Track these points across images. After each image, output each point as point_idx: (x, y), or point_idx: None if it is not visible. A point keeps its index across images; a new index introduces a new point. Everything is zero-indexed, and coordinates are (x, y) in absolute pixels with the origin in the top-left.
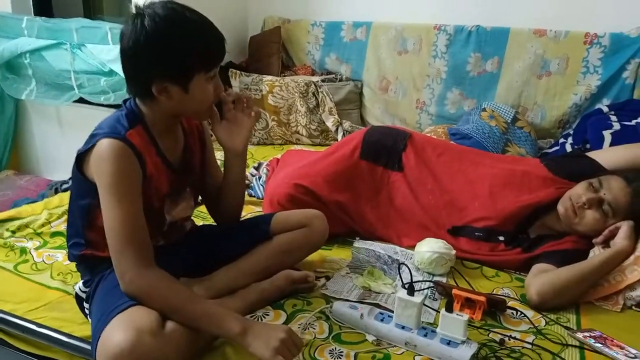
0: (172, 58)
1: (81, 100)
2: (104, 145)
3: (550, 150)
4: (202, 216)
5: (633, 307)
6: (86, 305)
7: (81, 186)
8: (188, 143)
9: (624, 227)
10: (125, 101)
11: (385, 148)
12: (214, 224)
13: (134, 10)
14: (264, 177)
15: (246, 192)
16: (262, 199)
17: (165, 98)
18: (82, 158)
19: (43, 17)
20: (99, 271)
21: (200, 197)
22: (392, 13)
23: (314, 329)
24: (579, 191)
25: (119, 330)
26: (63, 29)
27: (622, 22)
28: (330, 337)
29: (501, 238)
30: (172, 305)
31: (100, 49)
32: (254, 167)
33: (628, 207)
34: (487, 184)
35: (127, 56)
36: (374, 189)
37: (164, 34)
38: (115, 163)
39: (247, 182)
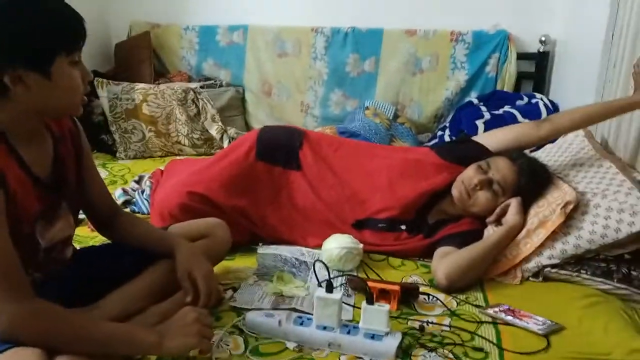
0: (24, 38)
1: None
2: None
3: (430, 144)
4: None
5: (530, 279)
6: None
7: None
8: (59, 151)
9: (514, 204)
10: None
11: (282, 147)
12: (96, 244)
13: None
14: (147, 191)
15: (129, 208)
16: (148, 213)
17: (22, 90)
18: None
19: None
20: None
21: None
22: (268, 15)
23: (228, 345)
24: (470, 174)
25: None
26: None
27: (480, 21)
28: (247, 352)
29: (403, 227)
30: (70, 336)
31: None
32: (135, 181)
33: (515, 185)
34: (385, 175)
35: None
36: (274, 190)
37: (9, 10)
38: None
39: (128, 197)
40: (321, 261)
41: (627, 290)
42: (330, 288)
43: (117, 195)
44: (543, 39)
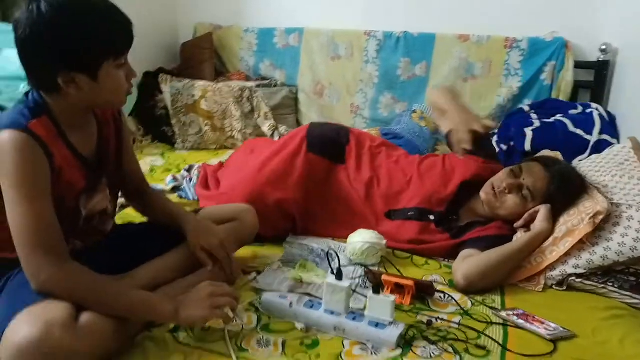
0: (76, 46)
1: (0, 109)
2: (4, 137)
3: None
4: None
5: (553, 287)
6: None
7: None
8: (103, 134)
9: (543, 211)
10: (27, 94)
11: (330, 141)
12: (135, 222)
13: None
14: (194, 180)
15: (177, 194)
16: (194, 199)
17: (73, 90)
18: None
19: None
20: (6, 272)
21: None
22: (323, 19)
23: (242, 320)
24: (501, 177)
25: (26, 324)
26: None
27: (538, 28)
28: (259, 327)
29: (432, 217)
30: (98, 298)
31: (17, 53)
32: (185, 170)
33: (546, 192)
34: (416, 169)
35: (26, 46)
36: (319, 182)
37: (64, 20)
38: (17, 156)
39: (177, 183)
40: (335, 251)
41: None
42: (340, 276)
43: (168, 181)
44: (603, 47)
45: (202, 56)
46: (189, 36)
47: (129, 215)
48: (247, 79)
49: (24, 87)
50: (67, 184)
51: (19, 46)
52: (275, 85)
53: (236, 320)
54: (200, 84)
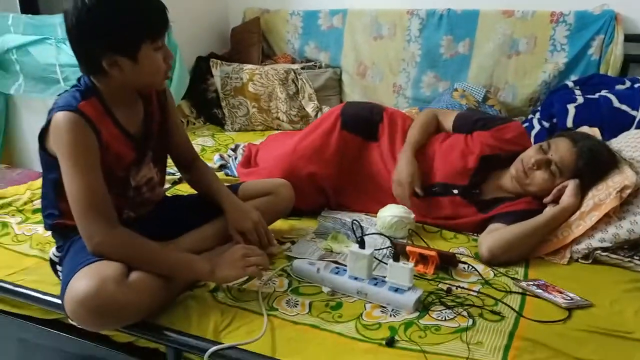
0: (116, 31)
1: None
2: (58, 118)
3: None
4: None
5: (579, 260)
6: (59, 268)
7: (47, 162)
8: (148, 112)
9: (571, 186)
10: (79, 79)
11: (364, 119)
12: (183, 194)
13: None
14: (239, 158)
15: (223, 172)
16: (238, 177)
17: (116, 72)
18: (43, 135)
19: (29, 15)
20: (70, 237)
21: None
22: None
23: (275, 283)
24: (530, 153)
25: (84, 279)
26: (48, 25)
27: (586, 0)
28: (289, 290)
29: (455, 191)
30: (144, 259)
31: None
32: (231, 149)
33: (574, 167)
34: (439, 146)
35: (73, 35)
36: (352, 159)
37: (104, 7)
38: (68, 133)
39: (224, 162)
40: (358, 222)
41: None
42: (363, 245)
43: (215, 160)
44: None
45: (250, 40)
46: (239, 21)
47: (179, 191)
48: (293, 61)
49: None
50: (115, 157)
51: (68, 35)
52: (319, 67)
53: (269, 284)
54: (248, 67)
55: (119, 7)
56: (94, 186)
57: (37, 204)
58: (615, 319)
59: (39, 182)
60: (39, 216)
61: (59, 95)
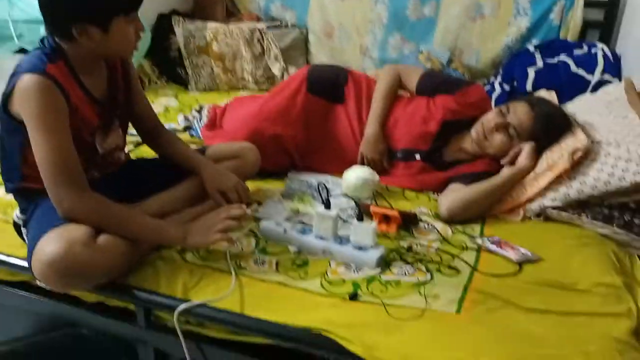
0: (90, 1)
1: (22, 51)
2: (26, 81)
3: None
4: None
5: (532, 217)
6: (24, 230)
7: (10, 125)
8: (112, 78)
9: (526, 148)
10: (42, 40)
11: (329, 82)
12: (148, 157)
13: None
14: (204, 119)
15: (188, 133)
16: (201, 139)
17: (85, 40)
18: (6, 98)
19: None
20: (34, 199)
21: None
22: None
23: (242, 244)
24: (489, 117)
25: (52, 242)
26: None
27: None
28: (256, 250)
29: (417, 156)
30: (113, 223)
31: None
32: (196, 110)
33: (531, 130)
34: (401, 112)
35: None
36: (319, 120)
37: None
38: (38, 97)
39: (187, 123)
40: (324, 185)
41: (626, 236)
42: (328, 206)
43: (179, 121)
44: None
45: None
46: None
47: (143, 152)
48: (258, 19)
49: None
50: (82, 121)
51: None
52: (285, 27)
53: (237, 245)
54: (211, 25)
55: None
56: (65, 149)
57: None
58: (561, 272)
59: None
60: None
61: (14, 52)
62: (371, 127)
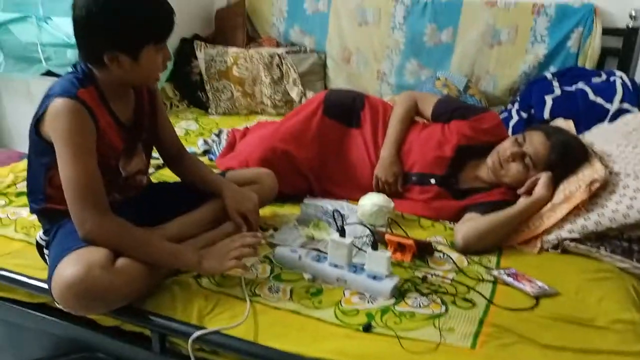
0: (123, 30)
1: (49, 73)
2: (58, 104)
3: (500, 117)
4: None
5: (549, 250)
6: (46, 252)
7: (40, 147)
8: (138, 104)
9: (543, 178)
10: (74, 65)
11: (346, 106)
12: (169, 181)
13: None
14: (223, 143)
15: (207, 157)
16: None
17: (115, 66)
18: (38, 120)
19: None
20: (57, 221)
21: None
22: None
23: (257, 270)
24: (506, 145)
25: (71, 265)
26: (28, 3)
27: None
28: (271, 277)
29: (433, 181)
30: (132, 246)
31: (66, 21)
32: (215, 134)
33: (547, 160)
34: (417, 136)
35: (80, 26)
36: (334, 145)
37: (115, 6)
38: (68, 120)
39: (207, 147)
40: (339, 212)
41: None
42: (343, 233)
43: (199, 144)
44: (633, 13)
45: (235, 22)
46: (223, 3)
47: (163, 175)
48: (278, 45)
49: (71, 53)
50: (108, 145)
51: (74, 24)
52: (304, 52)
53: (252, 271)
54: (232, 50)
55: (130, 7)
56: (90, 172)
57: (21, 187)
58: (579, 307)
59: (22, 165)
60: (23, 199)
61: (41, 74)
62: (386, 150)
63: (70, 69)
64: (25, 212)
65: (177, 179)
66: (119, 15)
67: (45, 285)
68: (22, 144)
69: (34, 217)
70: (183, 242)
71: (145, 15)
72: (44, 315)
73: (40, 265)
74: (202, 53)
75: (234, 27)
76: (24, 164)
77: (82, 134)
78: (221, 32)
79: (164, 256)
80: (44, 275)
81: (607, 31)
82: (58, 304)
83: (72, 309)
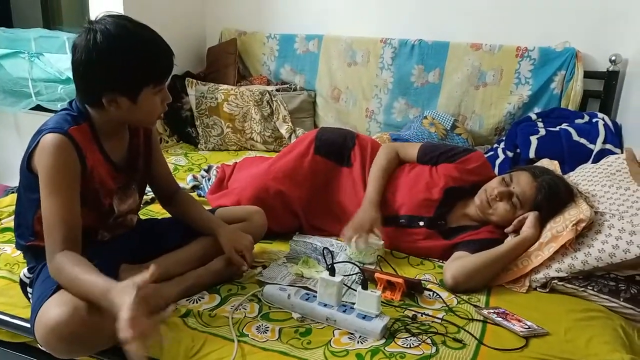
0: (122, 73)
1: (38, 108)
2: (47, 139)
3: (486, 156)
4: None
5: (537, 289)
6: (29, 290)
7: (31, 182)
8: (133, 144)
9: (530, 217)
10: (71, 102)
11: (337, 145)
12: (158, 217)
13: (86, 24)
14: (213, 179)
15: (196, 192)
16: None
17: (114, 108)
18: (29, 155)
19: (2, 28)
20: (43, 259)
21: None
22: (342, 27)
23: (245, 309)
24: (493, 185)
25: (56, 306)
26: (21, 39)
27: (549, 37)
28: (259, 316)
29: (421, 223)
30: (66, 283)
31: (58, 58)
32: (204, 170)
33: (534, 200)
34: (404, 178)
35: (79, 70)
36: (324, 183)
37: (114, 50)
38: (53, 155)
39: (196, 183)
40: (329, 250)
41: (632, 310)
42: (333, 272)
43: (188, 180)
44: (613, 57)
45: (226, 60)
46: (216, 41)
47: (151, 210)
48: (268, 83)
49: (61, 89)
50: (99, 183)
51: (73, 66)
52: (294, 89)
53: (236, 307)
54: (223, 87)
55: (128, 51)
56: (67, 209)
57: (5, 222)
58: (568, 348)
59: (7, 200)
60: (7, 235)
61: (30, 109)
62: (366, 205)
63: (65, 105)
64: (9, 249)
65: (165, 213)
66: (118, 58)
67: (28, 325)
68: (9, 178)
69: (18, 253)
70: (170, 280)
71: (144, 57)
72: (26, 356)
73: (23, 303)
74: (193, 90)
75: (226, 65)
76: (9, 198)
77: (63, 169)
78: (213, 70)
79: (91, 292)
80: (27, 314)
81: (588, 74)
82: (41, 346)
83: (56, 352)
